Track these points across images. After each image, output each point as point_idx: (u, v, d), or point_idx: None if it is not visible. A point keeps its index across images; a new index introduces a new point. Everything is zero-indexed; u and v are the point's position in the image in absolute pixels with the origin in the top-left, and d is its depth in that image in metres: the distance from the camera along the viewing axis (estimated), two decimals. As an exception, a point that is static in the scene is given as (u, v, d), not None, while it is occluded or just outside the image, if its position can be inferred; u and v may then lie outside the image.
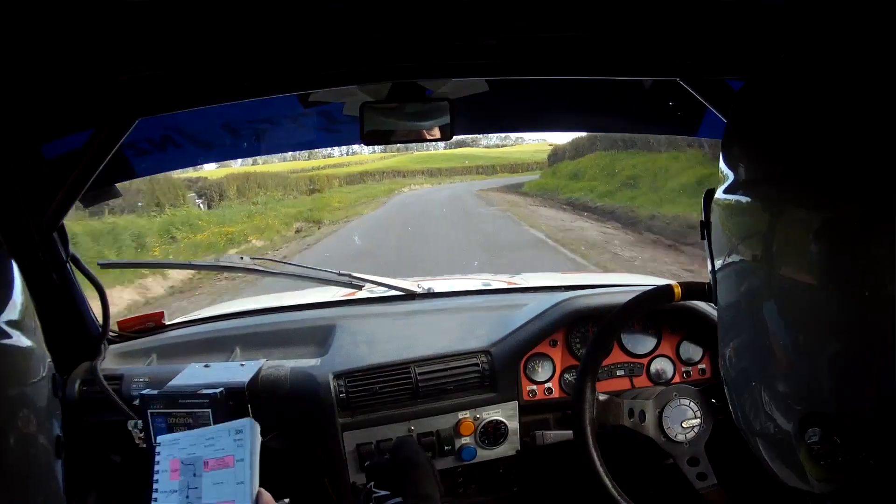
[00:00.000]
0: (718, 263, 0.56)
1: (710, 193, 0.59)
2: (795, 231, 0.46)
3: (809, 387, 0.47)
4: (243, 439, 0.85)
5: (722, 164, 0.56)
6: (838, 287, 0.43)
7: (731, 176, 0.54)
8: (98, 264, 1.24)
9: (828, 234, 0.43)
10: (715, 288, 0.58)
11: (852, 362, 0.43)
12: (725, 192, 0.54)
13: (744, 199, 0.52)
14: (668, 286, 0.92)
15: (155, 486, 0.86)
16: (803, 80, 0.49)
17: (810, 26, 0.61)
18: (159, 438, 0.88)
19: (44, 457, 0.69)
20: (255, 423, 0.86)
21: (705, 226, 0.60)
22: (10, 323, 0.63)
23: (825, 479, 0.48)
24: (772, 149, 0.50)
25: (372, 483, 0.85)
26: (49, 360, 0.72)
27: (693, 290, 0.91)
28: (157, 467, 0.87)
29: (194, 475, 0.85)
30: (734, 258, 0.54)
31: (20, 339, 0.64)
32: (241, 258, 1.32)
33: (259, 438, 0.86)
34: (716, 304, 0.60)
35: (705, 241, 0.61)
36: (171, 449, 0.87)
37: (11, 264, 0.67)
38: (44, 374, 0.69)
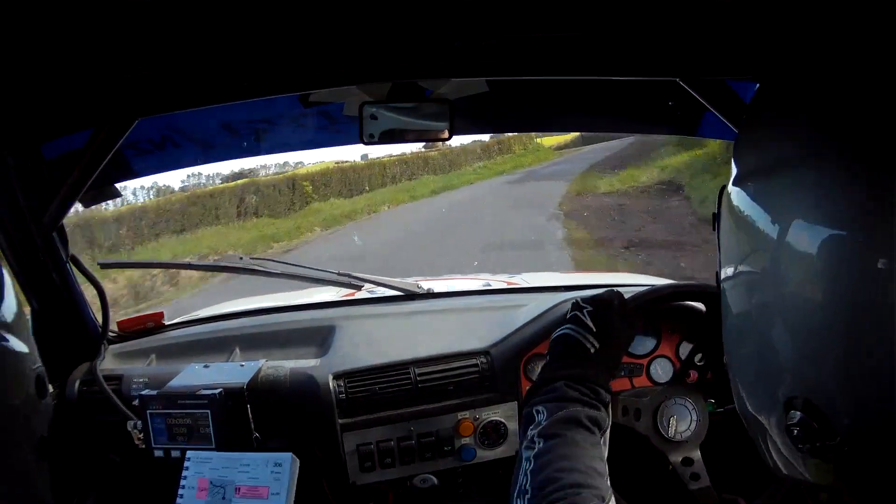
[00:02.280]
0: (727, 255, 0.57)
1: (724, 187, 0.59)
2: (799, 239, 0.46)
3: (794, 371, 0.48)
4: (282, 473, 0.85)
5: (733, 161, 0.56)
6: (843, 298, 0.43)
7: (738, 170, 0.55)
8: (98, 264, 1.24)
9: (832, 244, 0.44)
10: (719, 274, 0.58)
11: (836, 348, 0.44)
12: (733, 184, 0.55)
13: (749, 194, 0.52)
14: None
15: (179, 500, 0.86)
16: (818, 82, 0.49)
17: (812, 26, 0.61)
18: (189, 454, 0.88)
19: (25, 458, 0.68)
20: (296, 458, 0.85)
21: (716, 218, 0.60)
22: (2, 325, 0.63)
23: (810, 466, 0.49)
24: (781, 150, 0.50)
25: (589, 308, 0.80)
26: (39, 364, 0.72)
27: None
28: (183, 482, 0.86)
29: (223, 498, 0.85)
30: (741, 257, 0.54)
31: (11, 341, 0.64)
32: (241, 258, 1.32)
33: (296, 473, 0.85)
34: (718, 287, 0.60)
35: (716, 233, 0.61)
36: (201, 467, 0.87)
37: (1, 270, 0.67)
38: (27, 374, 0.69)
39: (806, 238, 0.45)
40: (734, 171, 0.56)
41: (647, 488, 1.04)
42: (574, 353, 0.76)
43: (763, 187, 0.51)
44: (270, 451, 0.87)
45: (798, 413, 0.47)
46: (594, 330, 0.77)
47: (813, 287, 0.45)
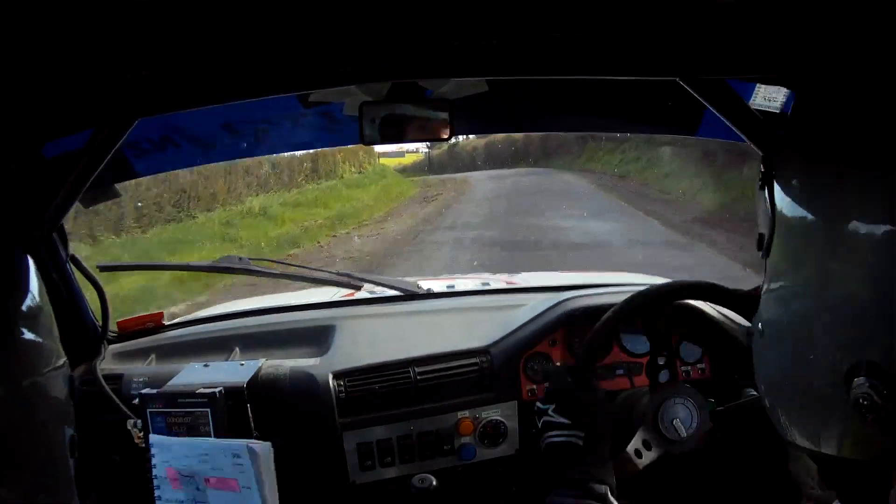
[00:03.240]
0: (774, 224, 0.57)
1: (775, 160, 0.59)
2: (852, 238, 0.47)
3: (858, 336, 0.47)
4: (243, 465, 0.83)
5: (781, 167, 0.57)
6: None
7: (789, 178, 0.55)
8: (97, 267, 1.25)
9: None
10: (769, 244, 0.58)
11: None
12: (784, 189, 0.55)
13: (800, 197, 0.53)
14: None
15: (157, 492, 0.85)
16: (861, 87, 0.50)
17: (814, 26, 0.61)
18: (152, 438, 0.87)
19: (57, 451, 0.69)
20: (256, 451, 0.83)
21: (766, 178, 0.60)
22: (27, 317, 0.63)
23: (864, 437, 0.49)
24: (833, 157, 0.51)
25: (552, 406, 0.83)
26: (64, 358, 0.72)
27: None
28: (154, 471, 0.86)
29: (198, 489, 0.84)
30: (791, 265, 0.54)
31: (38, 334, 0.64)
32: (240, 259, 1.32)
33: (268, 466, 0.84)
34: (762, 256, 0.60)
35: (761, 193, 0.60)
36: (166, 455, 0.86)
37: (27, 261, 0.68)
38: (59, 365, 0.69)
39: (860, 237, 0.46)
40: (780, 172, 0.56)
41: (655, 489, 1.04)
42: (565, 457, 0.79)
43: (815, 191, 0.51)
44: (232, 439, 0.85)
45: (864, 380, 0.46)
46: (569, 422, 0.80)
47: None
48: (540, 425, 0.84)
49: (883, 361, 0.45)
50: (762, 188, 0.61)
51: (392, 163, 16.93)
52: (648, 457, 0.90)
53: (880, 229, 0.45)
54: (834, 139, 0.51)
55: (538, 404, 0.86)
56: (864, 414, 0.46)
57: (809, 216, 0.53)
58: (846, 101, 0.50)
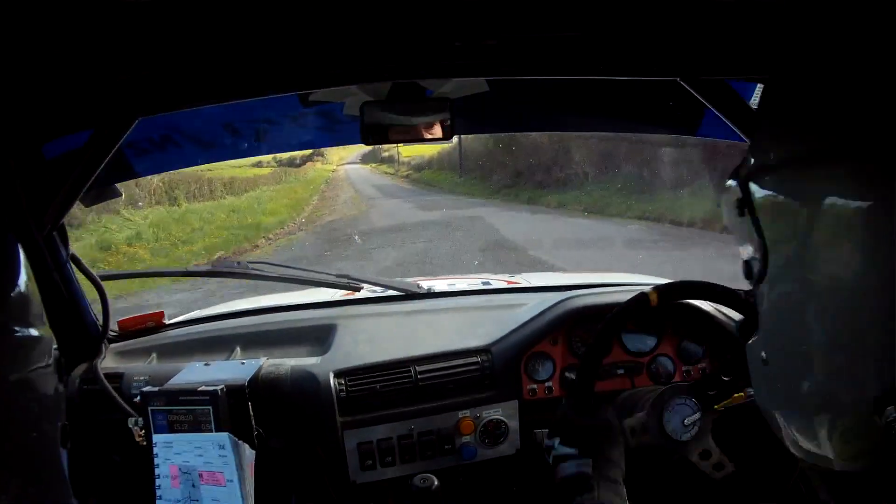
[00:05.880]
0: (766, 243, 0.56)
1: (743, 172, 0.58)
2: (835, 217, 0.47)
3: (880, 368, 0.47)
4: (226, 456, 0.84)
5: (751, 149, 0.56)
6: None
7: (762, 160, 0.54)
8: (98, 275, 1.25)
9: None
10: (763, 268, 0.57)
11: None
12: (760, 175, 0.54)
13: (779, 184, 0.52)
14: (643, 294, 0.91)
15: (158, 492, 0.86)
16: (835, 68, 0.50)
17: (813, 25, 0.61)
18: (155, 438, 0.88)
19: (49, 444, 0.69)
20: (237, 441, 0.84)
21: (744, 202, 0.58)
22: (16, 311, 0.63)
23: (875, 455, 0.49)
24: (807, 132, 0.51)
25: (557, 439, 0.84)
26: (55, 346, 0.72)
27: (667, 294, 0.90)
28: (157, 471, 0.87)
29: (193, 486, 0.85)
30: (774, 245, 0.54)
31: (26, 327, 0.64)
32: (238, 263, 1.33)
33: (247, 456, 0.84)
34: (753, 284, 0.59)
35: (741, 220, 0.59)
36: (168, 452, 0.87)
37: (18, 253, 0.67)
38: (49, 362, 0.69)
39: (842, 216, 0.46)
40: (751, 164, 0.55)
41: (666, 489, 1.03)
42: (577, 487, 0.80)
43: (795, 175, 0.51)
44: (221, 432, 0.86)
45: (893, 409, 0.45)
46: (576, 452, 0.81)
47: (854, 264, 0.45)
48: (550, 461, 0.85)
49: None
50: (741, 213, 0.60)
51: (246, 173, 15.31)
52: (641, 440, 0.90)
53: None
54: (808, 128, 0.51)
55: (545, 440, 0.87)
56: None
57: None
58: (824, 87, 0.50)
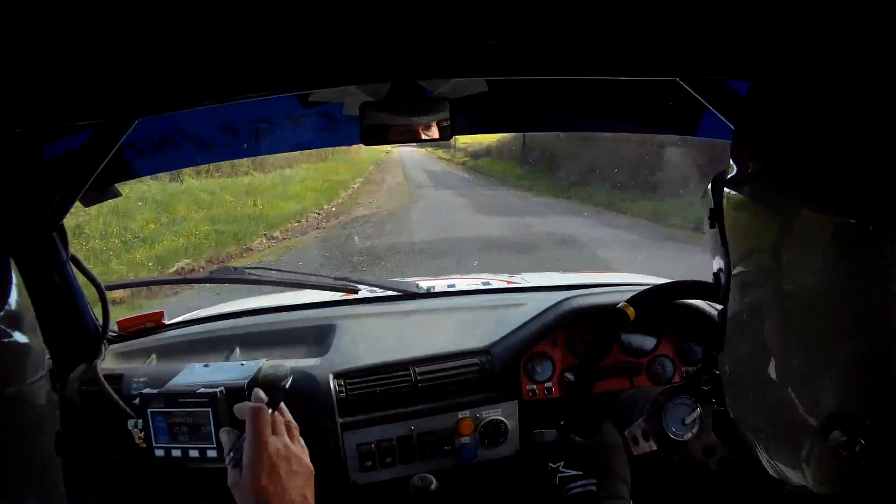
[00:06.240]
0: (729, 259, 0.56)
1: (720, 181, 0.57)
2: (807, 232, 0.46)
3: (831, 389, 0.47)
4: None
5: (732, 159, 0.56)
6: (854, 287, 0.43)
7: (740, 170, 0.54)
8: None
9: (841, 237, 0.43)
10: (727, 283, 0.57)
11: (876, 363, 0.43)
12: (734, 185, 0.54)
13: (753, 195, 0.52)
14: (620, 310, 0.92)
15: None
16: (817, 77, 0.49)
17: (813, 24, 0.61)
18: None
19: (44, 454, 0.69)
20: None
21: (715, 214, 0.59)
22: (9, 320, 0.63)
23: (834, 480, 0.48)
24: (783, 146, 0.50)
25: (562, 463, 0.86)
26: (47, 355, 0.72)
27: (643, 304, 0.91)
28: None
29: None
30: (743, 256, 0.53)
31: (19, 337, 0.64)
32: (235, 269, 1.35)
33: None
34: (720, 302, 0.59)
35: (713, 231, 0.59)
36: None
37: (8, 260, 0.67)
38: (43, 373, 0.69)
39: (815, 229, 0.45)
40: (734, 170, 0.55)
41: (670, 488, 1.03)
42: None
43: (768, 187, 0.51)
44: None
45: (839, 434, 0.45)
46: (582, 473, 0.83)
47: (823, 279, 0.45)
48: (557, 482, 0.86)
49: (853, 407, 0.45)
50: (712, 225, 0.60)
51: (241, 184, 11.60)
52: (644, 447, 0.90)
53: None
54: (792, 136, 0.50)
55: (550, 464, 0.88)
56: (842, 462, 0.46)
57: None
58: (809, 94, 0.50)
